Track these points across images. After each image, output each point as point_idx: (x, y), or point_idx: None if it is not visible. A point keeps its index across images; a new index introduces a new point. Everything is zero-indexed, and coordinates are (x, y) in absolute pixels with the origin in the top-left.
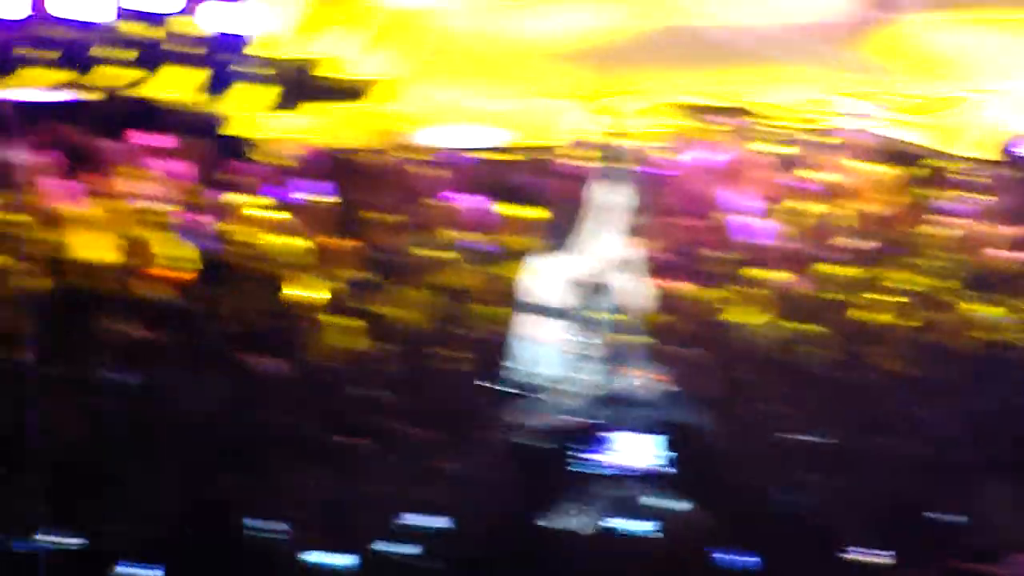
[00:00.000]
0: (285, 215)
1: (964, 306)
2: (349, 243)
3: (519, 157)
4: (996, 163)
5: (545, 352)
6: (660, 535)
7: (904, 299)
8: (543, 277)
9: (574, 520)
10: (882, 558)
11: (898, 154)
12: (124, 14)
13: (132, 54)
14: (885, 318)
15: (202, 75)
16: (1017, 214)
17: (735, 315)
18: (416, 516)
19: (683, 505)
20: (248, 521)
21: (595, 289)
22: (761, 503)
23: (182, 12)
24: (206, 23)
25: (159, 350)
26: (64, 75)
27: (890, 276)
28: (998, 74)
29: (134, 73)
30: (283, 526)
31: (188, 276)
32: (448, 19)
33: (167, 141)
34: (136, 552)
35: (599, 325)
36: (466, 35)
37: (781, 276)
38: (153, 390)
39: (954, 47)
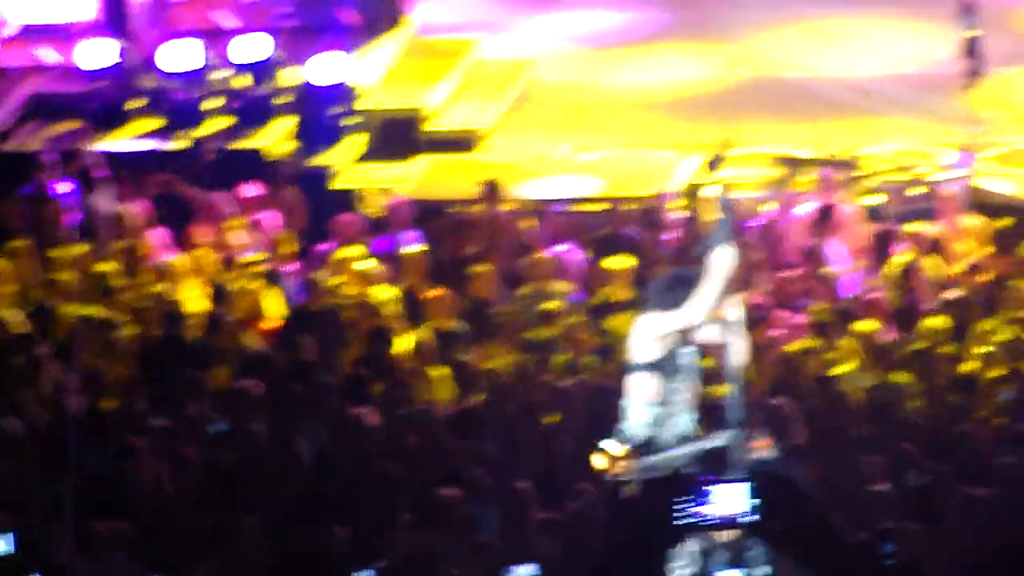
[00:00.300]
0: (384, 265)
1: None
2: (448, 293)
3: (611, 207)
4: None
5: (646, 406)
6: None
7: (991, 348)
8: (648, 333)
9: (676, 571)
10: None
11: (997, 206)
12: (221, 65)
13: (228, 105)
14: (976, 367)
15: (305, 126)
16: None
17: (832, 367)
18: (516, 567)
19: (778, 555)
20: (346, 571)
21: (695, 344)
22: (856, 552)
23: (284, 64)
24: (307, 75)
25: (255, 399)
26: (159, 125)
27: (982, 326)
28: None
29: (231, 124)
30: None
31: (285, 326)
32: (542, 70)
33: (267, 192)
34: None
35: (698, 379)
36: (560, 86)
37: (874, 326)
38: (249, 439)
39: None
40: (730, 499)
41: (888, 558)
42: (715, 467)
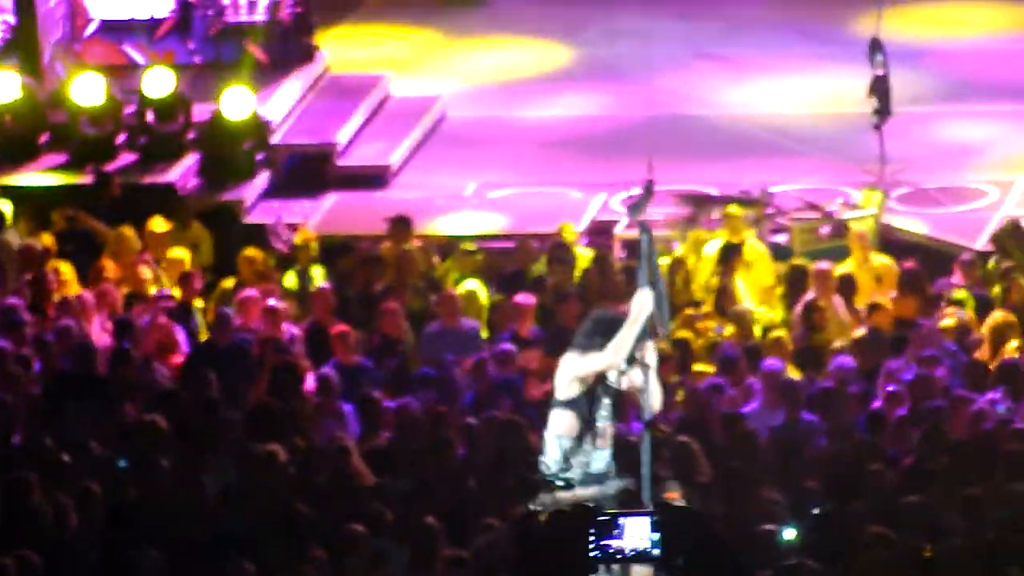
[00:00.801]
0: (291, 301)
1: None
2: (355, 329)
3: (519, 245)
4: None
5: (559, 440)
6: None
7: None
8: (569, 371)
9: None
10: None
11: (906, 244)
12: (130, 100)
13: (136, 139)
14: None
15: (213, 162)
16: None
17: (739, 404)
18: None
19: None
20: None
21: (613, 385)
22: None
23: (193, 99)
24: (216, 110)
25: (161, 434)
26: (66, 160)
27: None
28: (1016, 166)
29: (139, 158)
30: None
31: (191, 361)
32: (450, 108)
33: (174, 227)
34: None
35: (614, 419)
36: (468, 124)
37: (779, 363)
38: (154, 474)
39: (973, 138)
40: (639, 532)
41: None
42: (627, 505)
